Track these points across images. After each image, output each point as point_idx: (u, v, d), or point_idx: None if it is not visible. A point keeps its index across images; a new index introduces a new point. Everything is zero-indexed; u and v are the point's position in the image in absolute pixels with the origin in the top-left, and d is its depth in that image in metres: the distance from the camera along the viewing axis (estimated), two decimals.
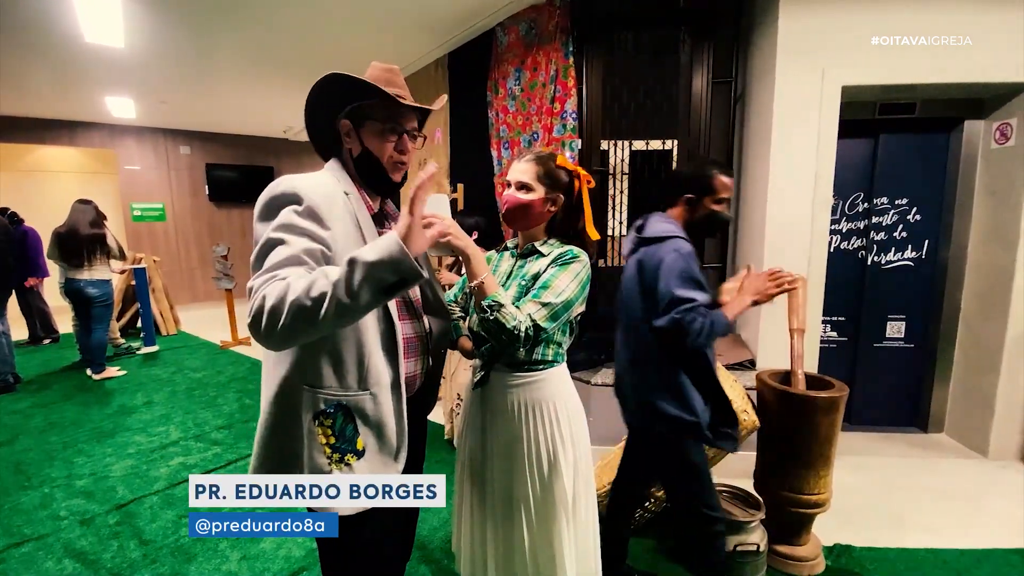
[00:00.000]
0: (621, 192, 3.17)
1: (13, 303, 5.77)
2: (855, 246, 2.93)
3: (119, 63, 4.12)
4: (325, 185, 0.97)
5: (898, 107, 2.76)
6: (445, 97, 1.15)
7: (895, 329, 2.95)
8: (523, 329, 1.04)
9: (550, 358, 1.20)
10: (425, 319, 1.13)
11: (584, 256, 1.18)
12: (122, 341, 4.97)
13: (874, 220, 2.88)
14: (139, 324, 5.35)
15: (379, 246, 0.79)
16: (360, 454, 0.98)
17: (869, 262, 2.91)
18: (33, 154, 7.17)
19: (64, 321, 6.05)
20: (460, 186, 3.35)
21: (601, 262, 3.15)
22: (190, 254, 7.67)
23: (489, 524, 1.22)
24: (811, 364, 2.52)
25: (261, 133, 7.75)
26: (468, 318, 1.31)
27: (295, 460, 0.99)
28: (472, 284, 1.06)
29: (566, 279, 1.12)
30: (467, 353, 1.32)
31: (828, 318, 2.92)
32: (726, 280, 2.93)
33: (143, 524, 2.19)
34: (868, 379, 2.98)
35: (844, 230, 2.93)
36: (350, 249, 0.92)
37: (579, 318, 1.23)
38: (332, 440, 0.96)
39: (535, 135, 2.91)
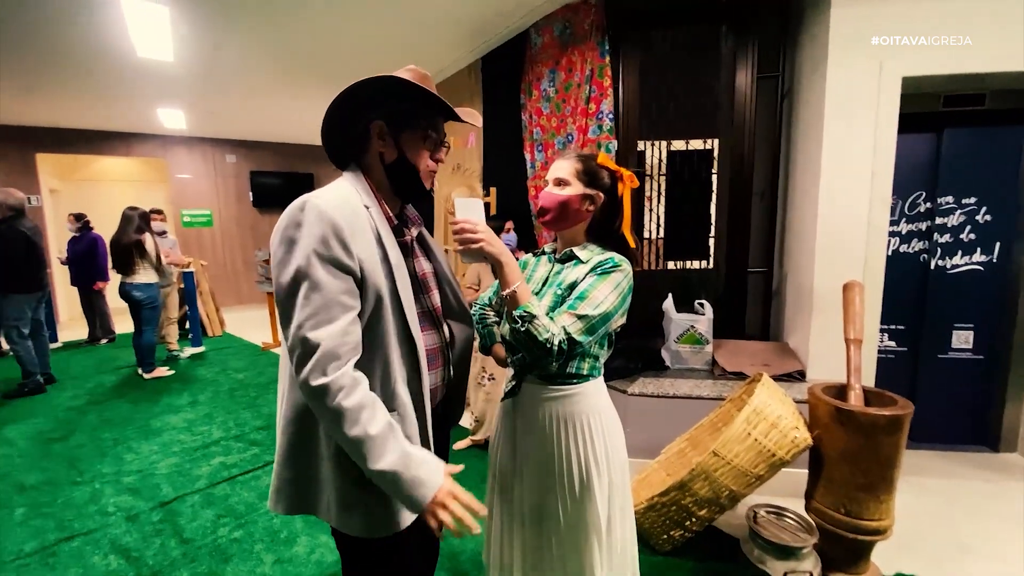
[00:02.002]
0: (659, 194, 3.06)
1: (75, 306, 6.15)
2: (916, 249, 2.72)
3: (169, 76, 4.31)
4: (347, 202, 0.92)
5: (965, 99, 2.54)
6: (477, 114, 1.11)
7: (962, 339, 2.72)
8: (556, 343, 0.98)
9: (585, 372, 1.13)
10: (446, 327, 1.09)
11: (626, 265, 1.10)
12: (176, 347, 5.15)
13: (938, 221, 2.67)
14: (187, 326, 5.57)
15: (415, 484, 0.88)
16: None
17: (932, 266, 2.70)
18: (94, 164, 7.62)
19: (123, 322, 6.40)
20: (492, 190, 3.32)
21: (638, 266, 3.04)
22: (235, 258, 7.96)
23: (518, 542, 1.17)
24: (868, 376, 2.34)
25: (302, 141, 7.99)
26: (501, 324, 1.26)
27: (317, 482, 0.97)
28: (504, 292, 1.01)
29: (605, 289, 1.05)
30: (500, 361, 1.28)
31: (886, 326, 2.73)
32: (772, 286, 2.80)
33: (184, 523, 2.24)
34: (931, 393, 2.76)
35: (904, 232, 2.72)
36: (375, 265, 0.91)
37: (619, 330, 1.15)
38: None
39: (569, 137, 2.84)
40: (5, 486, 2.57)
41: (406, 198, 1.07)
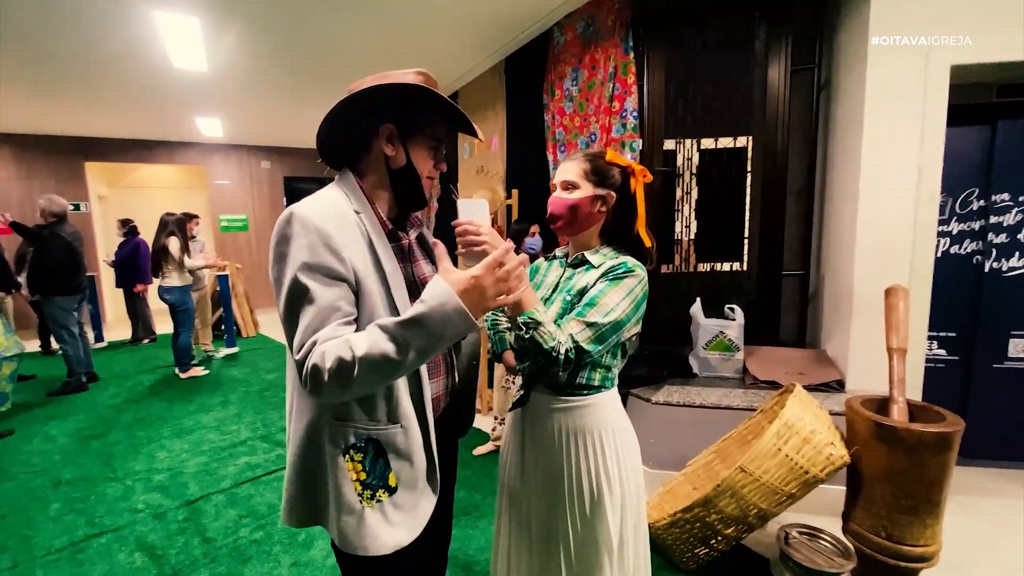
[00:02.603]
0: (688, 193, 2.96)
1: (121, 307, 6.44)
2: (968, 250, 2.53)
3: (204, 85, 4.45)
4: (334, 208, 0.89)
5: (1021, 88, 2.35)
6: (480, 130, 1.07)
7: (1019, 347, 2.51)
8: (562, 351, 0.92)
9: (596, 383, 1.06)
10: None
11: (640, 270, 1.03)
12: (211, 348, 5.30)
13: (992, 220, 2.47)
14: (223, 327, 5.74)
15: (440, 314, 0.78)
16: (392, 490, 0.92)
17: (987, 269, 2.49)
18: (138, 172, 7.97)
19: (164, 323, 6.66)
20: (515, 192, 3.27)
21: (666, 267, 2.94)
22: (269, 261, 8.18)
23: (525, 560, 1.11)
24: (914, 387, 2.18)
25: None
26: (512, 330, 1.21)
27: (324, 497, 0.94)
28: (509, 298, 0.96)
29: (616, 296, 0.98)
30: (511, 369, 1.23)
31: (935, 334, 2.54)
32: (808, 289, 2.65)
33: (207, 522, 2.28)
34: (984, 405, 2.55)
35: (954, 232, 2.53)
36: (367, 272, 0.88)
37: (635, 339, 1.09)
38: (363, 476, 0.90)
39: (593, 136, 2.77)
40: (43, 481, 2.68)
41: (405, 205, 1.03)
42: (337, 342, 0.79)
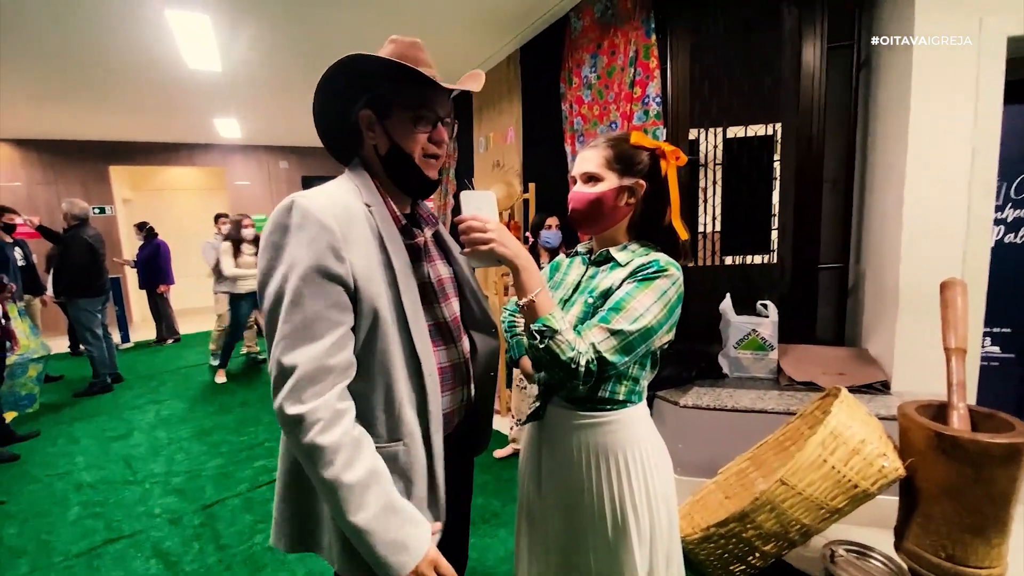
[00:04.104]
0: (714, 183, 2.80)
1: (144, 307, 6.55)
2: None
3: (220, 86, 4.44)
4: (341, 201, 0.80)
5: None
6: (481, 74, 0.93)
7: None
8: (583, 363, 0.81)
9: (621, 397, 0.94)
10: (465, 340, 0.95)
11: (674, 269, 0.90)
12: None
13: None
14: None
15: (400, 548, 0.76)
16: None
17: None
18: (162, 175, 8.11)
19: (186, 324, 6.75)
20: (532, 185, 3.16)
21: (692, 261, 2.79)
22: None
23: None
24: (969, 389, 2.01)
25: None
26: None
27: (317, 518, 0.86)
28: (522, 302, 0.85)
29: (646, 299, 0.86)
30: (529, 376, 1.12)
31: (989, 329, 2.34)
32: (848, 284, 2.48)
33: (222, 527, 2.24)
34: None
35: (1010, 219, 2.33)
36: (373, 273, 0.78)
37: (666, 347, 0.96)
38: None
39: (613, 125, 2.64)
40: (65, 484, 2.68)
41: (410, 192, 0.93)
42: (340, 430, 0.74)
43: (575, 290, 1.00)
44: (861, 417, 1.51)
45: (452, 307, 0.94)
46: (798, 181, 2.43)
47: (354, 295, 0.77)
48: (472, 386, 0.97)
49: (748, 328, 2.34)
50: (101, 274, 4.15)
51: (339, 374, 0.75)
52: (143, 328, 6.99)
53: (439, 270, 0.95)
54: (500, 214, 2.80)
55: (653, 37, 2.43)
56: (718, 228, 2.85)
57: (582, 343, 0.82)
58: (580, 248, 1.10)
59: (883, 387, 2.12)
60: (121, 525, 2.28)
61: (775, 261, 2.71)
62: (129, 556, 2.06)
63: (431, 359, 0.85)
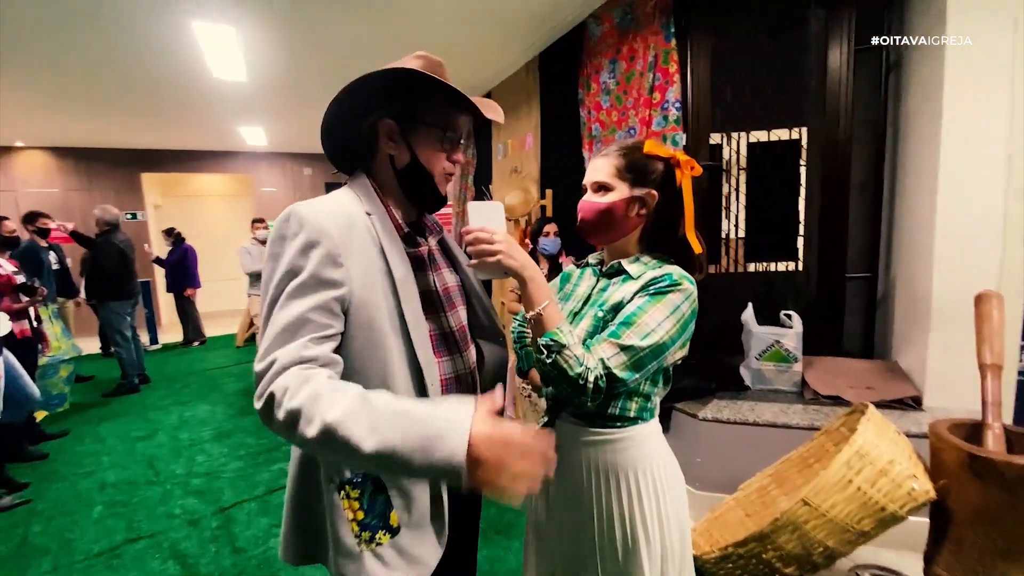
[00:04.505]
0: (735, 189, 2.74)
1: (173, 310, 6.73)
2: None
3: (245, 95, 4.55)
4: (341, 210, 0.80)
5: None
6: (498, 107, 0.92)
7: None
8: (591, 379, 0.78)
9: (632, 414, 0.91)
10: (471, 350, 0.94)
11: (688, 283, 0.86)
12: None
13: None
14: None
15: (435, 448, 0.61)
16: (394, 531, 0.81)
17: None
18: (191, 181, 8.34)
19: (212, 327, 6.91)
20: (549, 192, 3.14)
21: (713, 267, 2.74)
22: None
23: None
24: (1005, 407, 1.90)
25: None
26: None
27: (321, 538, 0.85)
28: (529, 315, 0.83)
29: (658, 315, 0.83)
30: (538, 388, 1.10)
31: None
32: (876, 294, 2.38)
33: (239, 530, 2.26)
34: None
35: None
36: (373, 281, 0.77)
37: (680, 363, 0.93)
38: (360, 515, 0.80)
39: (631, 131, 2.60)
40: (89, 484, 2.75)
41: (420, 206, 0.93)
42: (310, 385, 0.66)
43: (585, 303, 0.98)
44: (890, 436, 1.44)
45: (459, 316, 0.93)
46: (824, 186, 2.36)
47: (350, 302, 0.77)
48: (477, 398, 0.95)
49: (771, 339, 2.27)
50: (131, 278, 4.27)
51: (315, 364, 0.71)
52: (171, 330, 7.18)
53: (445, 278, 0.94)
54: (517, 221, 2.80)
55: (673, 41, 2.39)
56: (741, 235, 2.79)
57: (591, 358, 0.80)
58: (591, 259, 1.07)
59: (914, 403, 2.03)
60: (141, 525, 2.33)
61: (800, 269, 2.63)
62: (147, 557, 2.09)
63: (434, 370, 0.84)
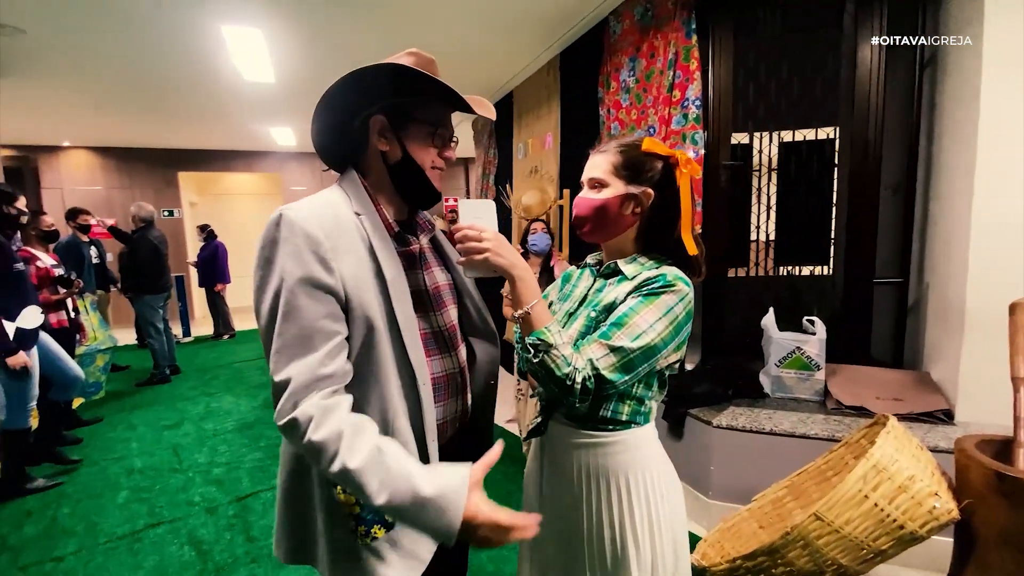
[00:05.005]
0: (757, 190, 2.67)
1: (206, 304, 6.96)
2: None
3: (274, 96, 4.66)
4: (329, 211, 0.80)
5: None
6: (492, 109, 0.92)
7: None
8: (578, 379, 0.77)
9: (624, 417, 0.89)
10: (462, 348, 0.93)
11: (682, 285, 0.84)
12: None
13: None
14: None
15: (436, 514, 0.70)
16: (389, 526, 0.82)
17: None
18: (223, 180, 8.62)
19: (241, 322, 7.12)
20: (566, 192, 3.11)
21: (735, 271, 2.67)
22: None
23: None
24: None
25: None
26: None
27: (314, 531, 0.86)
28: (516, 314, 0.82)
29: (650, 316, 0.81)
30: (535, 390, 1.08)
31: None
32: (907, 300, 2.27)
33: (254, 519, 2.31)
34: None
35: None
36: (364, 282, 0.78)
37: (677, 367, 0.91)
38: (356, 509, 0.80)
39: (651, 129, 2.55)
40: (118, 469, 2.87)
41: (414, 203, 0.93)
42: (334, 420, 0.71)
43: (581, 303, 0.96)
44: (911, 450, 1.36)
45: (449, 315, 0.93)
46: (852, 188, 2.27)
47: (345, 304, 0.77)
48: (469, 396, 0.95)
49: (792, 345, 2.19)
50: (164, 273, 4.44)
51: (333, 379, 0.74)
52: (204, 324, 7.43)
53: (436, 277, 0.94)
54: (536, 220, 2.78)
55: (694, 38, 2.33)
56: (767, 237, 2.72)
57: (580, 359, 0.78)
58: (590, 259, 1.05)
59: (946, 416, 1.93)
60: (163, 511, 2.41)
61: (829, 272, 2.54)
62: (167, 541, 2.17)
63: (425, 369, 0.83)
